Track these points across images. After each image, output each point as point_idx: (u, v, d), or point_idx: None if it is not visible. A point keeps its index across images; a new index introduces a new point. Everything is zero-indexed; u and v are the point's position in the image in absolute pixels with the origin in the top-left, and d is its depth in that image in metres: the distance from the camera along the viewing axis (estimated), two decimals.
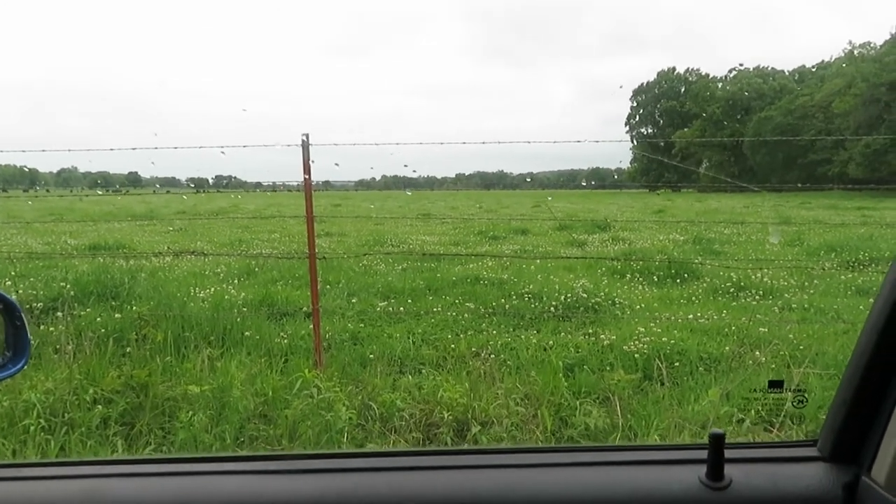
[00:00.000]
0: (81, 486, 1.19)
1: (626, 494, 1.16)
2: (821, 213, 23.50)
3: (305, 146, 4.96)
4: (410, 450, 1.46)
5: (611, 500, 1.15)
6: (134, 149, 5.18)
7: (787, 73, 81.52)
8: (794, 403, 1.74)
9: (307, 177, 5.06)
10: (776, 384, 1.55)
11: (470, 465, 1.24)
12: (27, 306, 6.25)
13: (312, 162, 4.99)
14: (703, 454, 1.18)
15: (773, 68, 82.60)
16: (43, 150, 5.53)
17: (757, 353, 5.31)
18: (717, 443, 1.15)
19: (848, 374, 1.14)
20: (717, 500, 1.14)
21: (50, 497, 1.18)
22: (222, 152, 5.13)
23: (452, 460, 1.27)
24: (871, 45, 67.73)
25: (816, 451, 1.22)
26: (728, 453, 1.17)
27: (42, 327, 5.72)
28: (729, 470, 1.16)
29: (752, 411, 4.01)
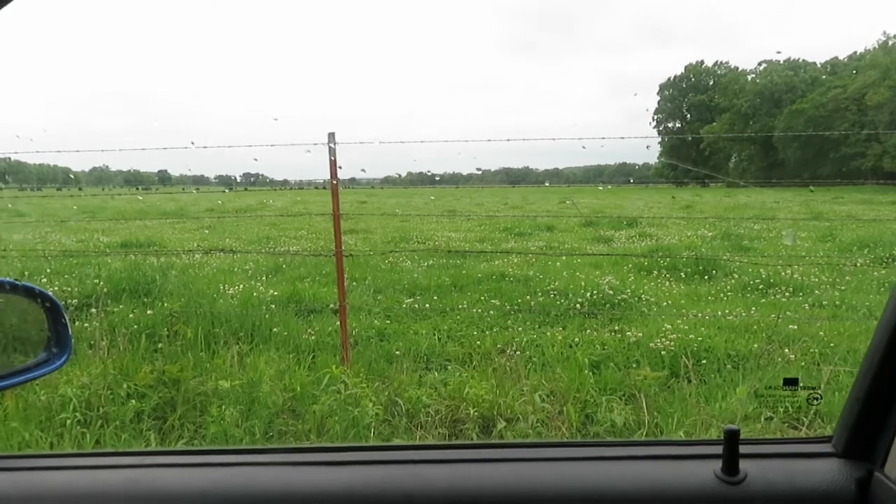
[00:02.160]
0: (123, 476, 1.25)
1: (644, 488, 1.18)
2: (854, 207, 23.05)
3: (331, 145, 5.01)
4: (435, 444, 1.49)
5: (628, 493, 1.17)
6: (165, 148, 5.28)
7: (818, 65, 79.96)
8: (809, 401, 1.73)
9: (334, 175, 5.11)
10: (791, 382, 1.55)
11: (492, 459, 1.27)
12: (62, 303, 6.41)
13: (340, 168, 5.05)
14: (719, 449, 1.20)
15: (804, 60, 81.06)
16: (77, 151, 5.66)
17: (786, 350, 5.25)
18: (733, 438, 1.17)
19: (862, 371, 1.15)
20: (732, 494, 1.16)
21: (94, 486, 1.23)
22: (255, 159, 5.23)
23: (475, 454, 1.30)
24: None
25: (830, 448, 1.23)
26: (743, 449, 1.19)
27: (77, 323, 5.86)
28: (744, 465, 1.18)
29: (781, 409, 3.98)
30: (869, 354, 1.13)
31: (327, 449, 1.35)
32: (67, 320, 1.20)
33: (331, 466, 1.27)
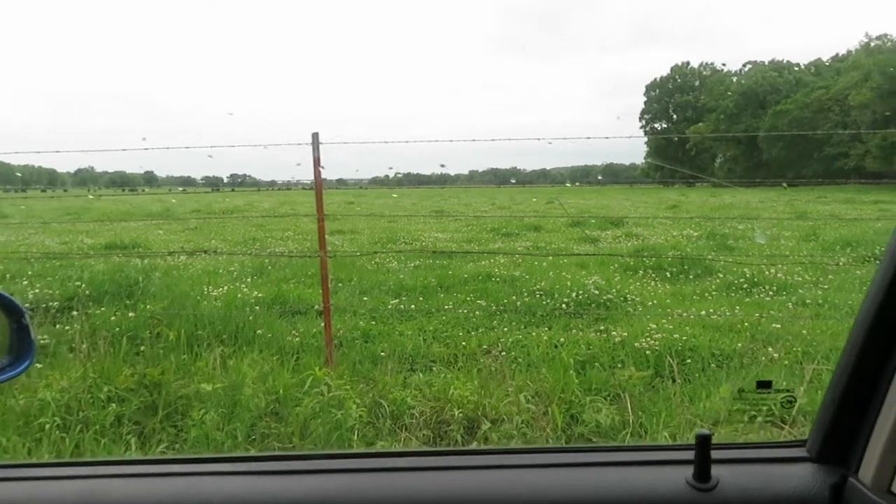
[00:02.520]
0: (78, 488, 1.21)
1: (615, 495, 1.16)
2: (837, 207, 23.26)
3: (315, 145, 4.98)
4: (405, 451, 1.46)
5: (599, 500, 1.15)
6: (146, 149, 5.23)
7: (802, 67, 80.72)
8: (783, 404, 1.73)
9: (317, 175, 5.08)
10: (764, 384, 1.54)
11: (463, 466, 1.25)
12: (43, 306, 6.33)
13: (323, 168, 5.01)
14: (692, 454, 1.17)
15: (788, 61, 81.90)
16: (57, 151, 5.59)
17: (770, 349, 5.28)
18: (704, 443, 1.15)
19: (836, 376, 1.14)
20: (703, 501, 1.13)
21: (47, 498, 1.19)
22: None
23: (445, 461, 1.27)
24: (888, 37, 66.97)
25: (805, 452, 1.22)
26: (717, 454, 1.17)
27: (58, 326, 5.79)
28: (717, 470, 1.16)
29: (764, 408, 3.98)
30: (843, 359, 1.12)
31: (304, 457, 1.32)
32: (30, 325, 1.17)
33: (307, 475, 1.24)
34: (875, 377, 1.07)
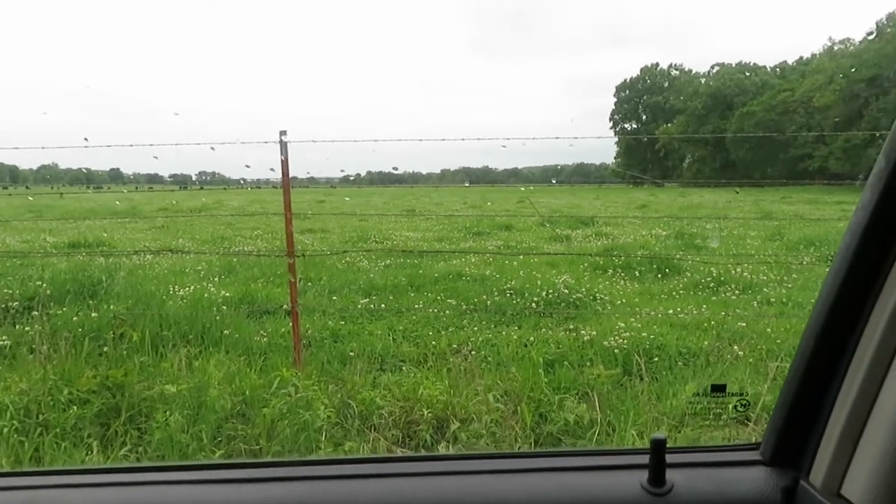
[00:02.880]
0: (22, 498, 1.17)
1: (570, 501, 1.15)
2: (801, 207, 23.73)
3: (283, 143, 4.93)
4: (359, 457, 1.45)
5: None
6: (110, 146, 5.12)
7: (768, 69, 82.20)
8: (737, 408, 1.74)
9: (285, 173, 5.02)
10: (719, 388, 1.56)
11: (417, 473, 1.23)
12: (2, 306, 6.17)
13: (283, 163, 4.95)
14: (647, 459, 1.17)
15: (755, 63, 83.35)
16: (16, 148, 5.43)
17: (735, 347, 5.35)
18: (659, 448, 1.15)
19: (788, 380, 1.14)
20: None
21: None
22: (212, 148, 5.09)
23: (400, 468, 1.25)
24: (851, 41, 68.60)
25: (758, 455, 1.23)
26: (671, 458, 1.17)
27: (17, 327, 5.65)
28: (671, 475, 1.16)
29: (730, 406, 4.04)
30: (796, 361, 1.13)
31: (263, 464, 1.29)
32: None
33: (267, 483, 1.20)
34: (827, 380, 1.08)
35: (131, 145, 5.02)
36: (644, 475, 1.16)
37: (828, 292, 1.04)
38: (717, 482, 1.17)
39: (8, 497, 1.16)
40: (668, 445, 1.16)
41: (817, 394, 1.09)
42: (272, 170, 4.93)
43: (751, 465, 1.20)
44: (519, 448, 3.87)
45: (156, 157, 5.11)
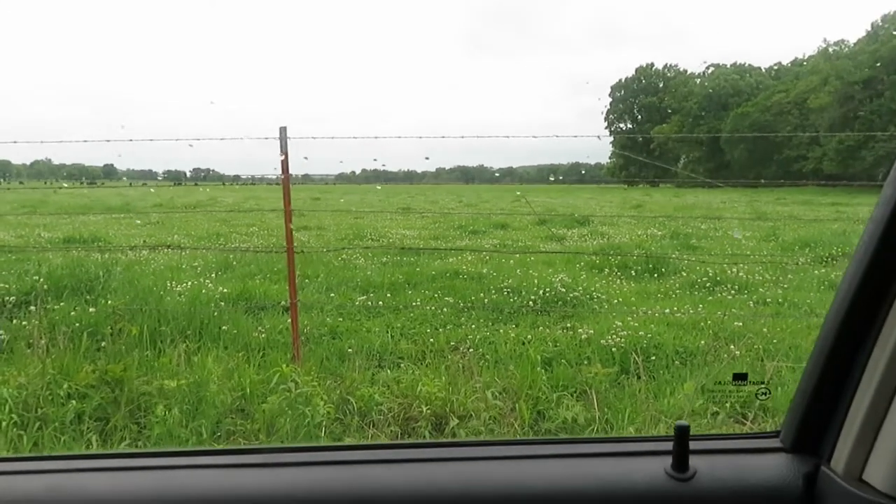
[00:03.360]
0: (45, 482, 1.18)
1: (594, 486, 1.17)
2: (796, 208, 23.82)
3: (283, 139, 4.93)
4: (382, 443, 1.46)
5: (578, 491, 1.17)
6: (108, 140, 5.11)
7: (763, 70, 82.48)
8: (758, 395, 1.77)
9: (285, 170, 5.03)
10: (740, 377, 1.58)
11: (439, 458, 1.25)
12: None
13: (283, 159, 4.95)
14: (669, 446, 1.20)
15: (749, 64, 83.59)
16: (14, 142, 5.42)
17: (732, 346, 5.38)
18: (683, 434, 1.18)
19: (809, 367, 1.16)
20: (682, 490, 1.16)
21: (11, 493, 1.16)
22: (190, 145, 5.09)
23: (421, 453, 1.28)
24: (845, 42, 68.80)
25: (779, 443, 1.25)
26: (693, 445, 1.19)
27: (14, 321, 5.64)
28: (694, 461, 1.19)
29: (727, 404, 4.08)
30: (816, 349, 1.15)
31: (269, 450, 1.31)
32: None
33: (273, 468, 1.22)
34: (848, 367, 1.09)
35: (130, 140, 5.01)
36: (667, 461, 1.19)
37: (851, 278, 1.05)
38: (739, 468, 1.19)
39: (30, 481, 1.18)
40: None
41: (838, 380, 1.11)
42: (275, 169, 4.93)
43: (772, 452, 1.23)
44: None
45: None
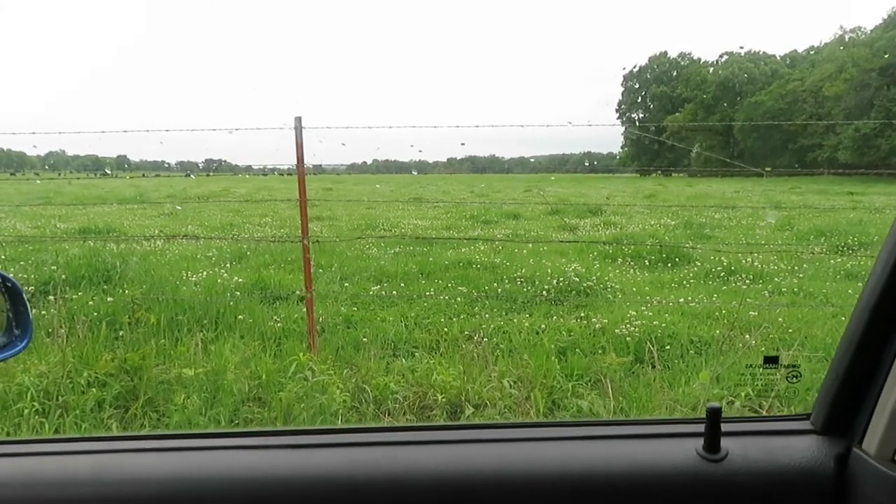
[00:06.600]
0: (90, 461, 1.21)
1: (626, 467, 1.19)
2: (811, 197, 23.59)
3: (298, 129, 4.94)
4: (408, 425, 1.48)
5: (610, 472, 1.18)
6: (125, 131, 5.14)
7: (778, 58, 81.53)
8: (788, 379, 1.77)
9: (300, 160, 5.04)
10: (771, 360, 1.58)
11: (466, 440, 1.27)
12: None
13: (298, 146, 4.97)
14: (700, 428, 1.22)
15: (764, 52, 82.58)
16: (33, 133, 5.47)
17: (747, 336, 5.37)
18: (714, 416, 1.19)
19: (841, 350, 1.17)
20: (714, 471, 1.18)
21: (60, 472, 1.19)
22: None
23: (448, 435, 1.29)
24: (862, 29, 67.85)
25: (810, 425, 1.26)
26: (725, 427, 1.21)
27: (34, 311, 5.70)
28: (725, 443, 1.20)
29: (742, 393, 4.07)
30: (848, 331, 1.15)
31: (297, 432, 1.33)
32: (27, 303, 1.16)
33: (301, 449, 1.25)
34: (879, 350, 1.10)
35: (147, 131, 5.04)
36: (699, 443, 1.21)
37: (882, 263, 1.05)
38: (770, 450, 1.20)
39: (75, 461, 1.21)
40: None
41: (870, 363, 1.12)
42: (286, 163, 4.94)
43: (803, 434, 1.24)
44: None
45: (161, 143, 5.13)
